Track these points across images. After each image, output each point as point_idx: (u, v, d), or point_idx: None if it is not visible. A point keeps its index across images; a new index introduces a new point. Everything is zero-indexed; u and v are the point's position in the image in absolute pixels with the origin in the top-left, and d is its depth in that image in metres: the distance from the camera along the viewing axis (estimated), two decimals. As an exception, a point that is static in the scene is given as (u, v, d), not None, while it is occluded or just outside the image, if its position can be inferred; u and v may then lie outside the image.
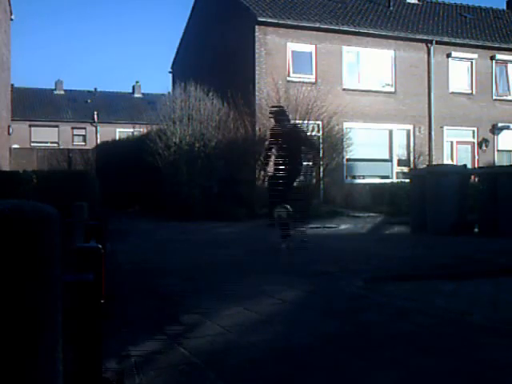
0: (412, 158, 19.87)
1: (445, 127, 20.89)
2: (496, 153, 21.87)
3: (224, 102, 15.70)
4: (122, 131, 35.58)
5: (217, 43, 21.20)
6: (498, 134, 21.88)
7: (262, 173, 15.62)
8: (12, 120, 26.37)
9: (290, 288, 4.74)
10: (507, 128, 21.79)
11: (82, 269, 1.80)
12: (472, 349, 3.05)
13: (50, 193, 9.41)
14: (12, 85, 28.15)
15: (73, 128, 40.87)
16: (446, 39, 20.86)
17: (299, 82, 17.81)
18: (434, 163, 19.00)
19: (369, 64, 19.81)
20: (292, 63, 18.71)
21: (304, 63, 18.84)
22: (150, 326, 3.64)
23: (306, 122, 15.56)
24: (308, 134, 8.09)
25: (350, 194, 17.93)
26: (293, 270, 5.76)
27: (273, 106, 8.63)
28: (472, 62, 21.49)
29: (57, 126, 40.26)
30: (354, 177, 19.53)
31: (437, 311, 3.96)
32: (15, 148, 27.13)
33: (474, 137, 21.61)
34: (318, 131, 16.88)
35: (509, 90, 22.22)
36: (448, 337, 3.31)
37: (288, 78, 18.22)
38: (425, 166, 16.07)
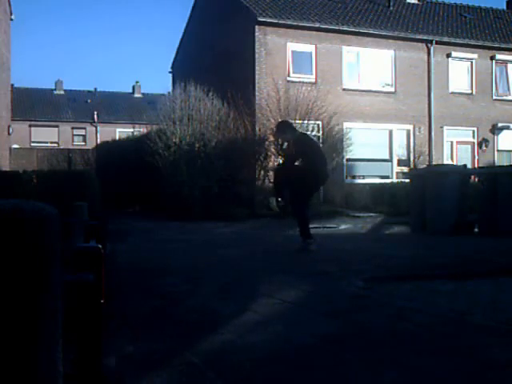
0: (412, 158, 19.87)
1: (445, 127, 20.89)
2: (496, 153, 21.87)
3: (224, 102, 15.69)
4: (122, 131, 35.56)
5: (217, 43, 21.19)
6: (498, 134, 21.88)
7: (262, 172, 15.65)
8: (12, 120, 26.37)
9: (290, 288, 4.73)
10: (507, 128, 21.79)
11: (81, 269, 1.80)
12: (472, 349, 3.05)
13: (50, 193, 9.40)
14: (12, 85, 28.15)
15: (73, 128, 40.87)
16: (445, 39, 20.86)
17: (299, 81, 17.80)
18: (433, 163, 19.00)
19: (369, 64, 19.81)
20: (292, 63, 18.71)
21: (304, 63, 18.84)
22: (150, 326, 3.64)
23: (305, 122, 15.56)
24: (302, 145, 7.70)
25: (350, 194, 17.92)
26: (293, 270, 5.76)
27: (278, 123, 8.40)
28: (472, 62, 21.49)
29: (57, 126, 40.26)
30: (354, 177, 19.53)
31: (437, 311, 3.96)
32: (15, 148, 27.13)
33: (474, 137, 21.61)
34: (318, 131, 16.88)
35: (509, 89, 22.22)
36: (448, 337, 3.31)
37: (288, 78, 18.22)
38: (425, 166, 16.06)
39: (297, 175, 7.32)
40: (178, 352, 3.03)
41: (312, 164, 7.34)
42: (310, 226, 7.41)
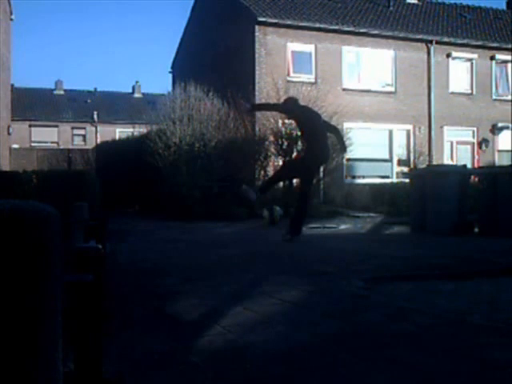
0: (412, 158, 19.88)
1: (445, 127, 20.90)
2: (496, 153, 21.88)
3: (224, 102, 15.69)
4: (122, 131, 35.56)
5: (217, 43, 21.20)
6: (498, 133, 21.89)
7: (262, 172, 15.64)
8: (12, 120, 26.39)
9: (290, 288, 4.73)
10: (507, 128, 21.79)
11: (81, 269, 1.80)
12: (472, 349, 3.05)
13: (50, 193, 9.41)
14: (12, 85, 28.15)
15: (73, 128, 40.88)
16: (445, 39, 20.88)
17: (299, 82, 17.80)
18: (433, 163, 19.01)
19: (369, 64, 19.82)
20: (292, 63, 18.72)
21: (304, 63, 18.85)
22: (150, 326, 3.64)
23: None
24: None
25: (350, 193, 17.92)
26: (293, 270, 5.76)
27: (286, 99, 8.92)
28: (472, 62, 21.50)
29: (57, 126, 40.26)
30: (353, 177, 19.54)
31: (437, 311, 3.96)
32: (15, 148, 27.14)
33: (473, 137, 21.62)
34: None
35: (509, 89, 22.22)
36: (448, 337, 3.31)
37: (288, 78, 18.22)
38: (425, 166, 16.06)
39: (298, 161, 7.54)
40: (178, 352, 3.03)
41: (313, 137, 7.50)
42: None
